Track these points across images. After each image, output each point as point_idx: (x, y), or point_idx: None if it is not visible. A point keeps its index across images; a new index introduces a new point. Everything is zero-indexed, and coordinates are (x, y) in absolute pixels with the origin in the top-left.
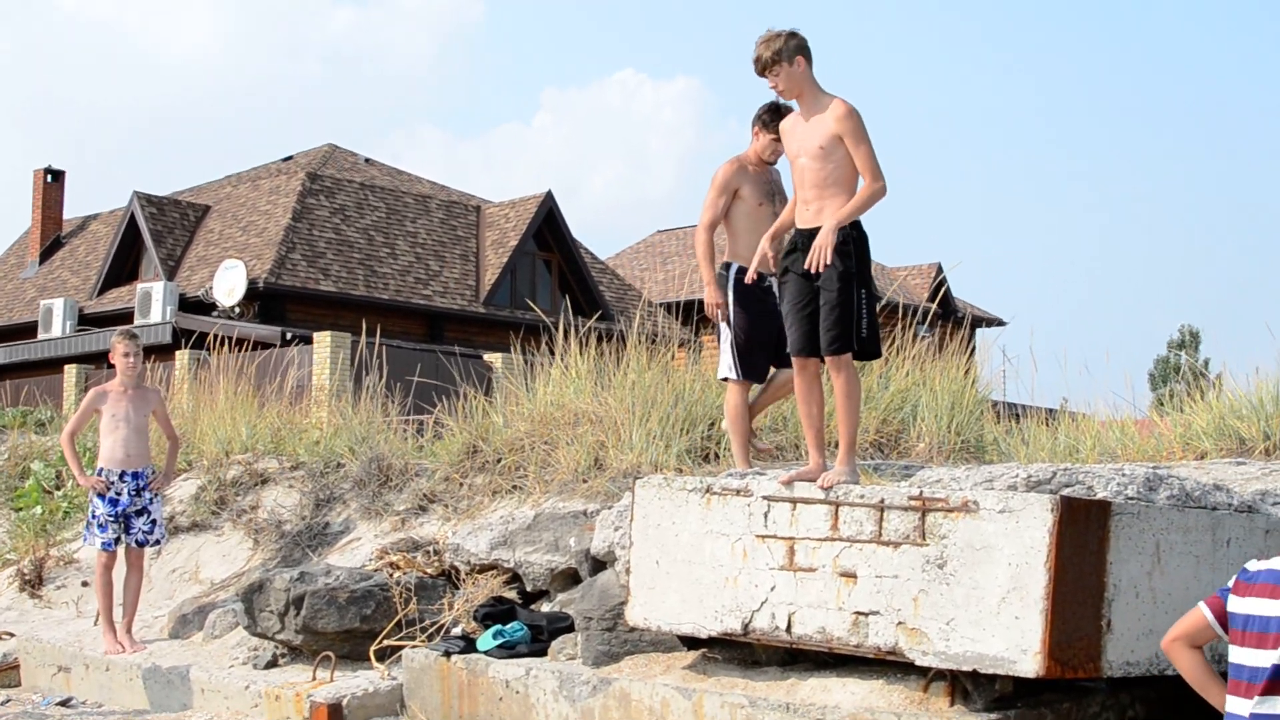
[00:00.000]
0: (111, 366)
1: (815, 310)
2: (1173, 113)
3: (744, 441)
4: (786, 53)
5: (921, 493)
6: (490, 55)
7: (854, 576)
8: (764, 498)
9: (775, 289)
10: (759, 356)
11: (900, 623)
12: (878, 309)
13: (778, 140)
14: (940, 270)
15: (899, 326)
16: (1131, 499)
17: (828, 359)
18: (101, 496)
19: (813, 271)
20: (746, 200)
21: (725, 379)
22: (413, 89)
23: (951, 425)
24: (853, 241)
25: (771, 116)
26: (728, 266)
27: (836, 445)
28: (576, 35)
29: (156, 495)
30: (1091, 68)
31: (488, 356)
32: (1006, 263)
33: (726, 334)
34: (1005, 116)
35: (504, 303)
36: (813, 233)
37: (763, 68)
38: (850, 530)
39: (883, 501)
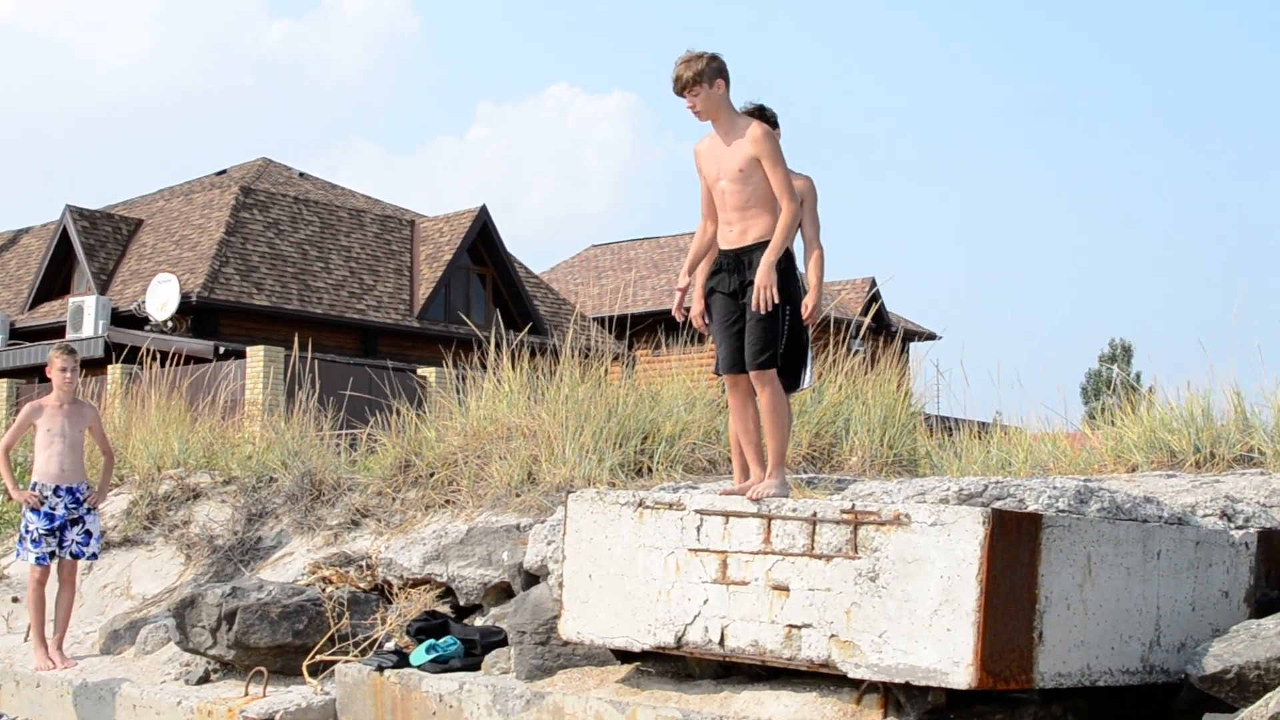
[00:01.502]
0: (46, 381)
1: (742, 328)
2: (1107, 124)
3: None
4: (707, 75)
5: (854, 506)
6: (425, 69)
7: (786, 590)
8: (696, 511)
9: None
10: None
11: (833, 635)
12: (810, 332)
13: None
14: (874, 284)
15: (832, 341)
16: (1063, 511)
17: (752, 374)
18: (35, 511)
19: (760, 312)
20: None
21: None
22: (347, 102)
23: (884, 439)
24: (781, 272)
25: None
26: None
27: None
28: (511, 48)
29: (94, 509)
30: (1022, 75)
31: (421, 371)
32: (939, 276)
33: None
34: (939, 128)
35: (438, 317)
36: (738, 254)
37: (682, 87)
38: (783, 544)
39: (815, 515)
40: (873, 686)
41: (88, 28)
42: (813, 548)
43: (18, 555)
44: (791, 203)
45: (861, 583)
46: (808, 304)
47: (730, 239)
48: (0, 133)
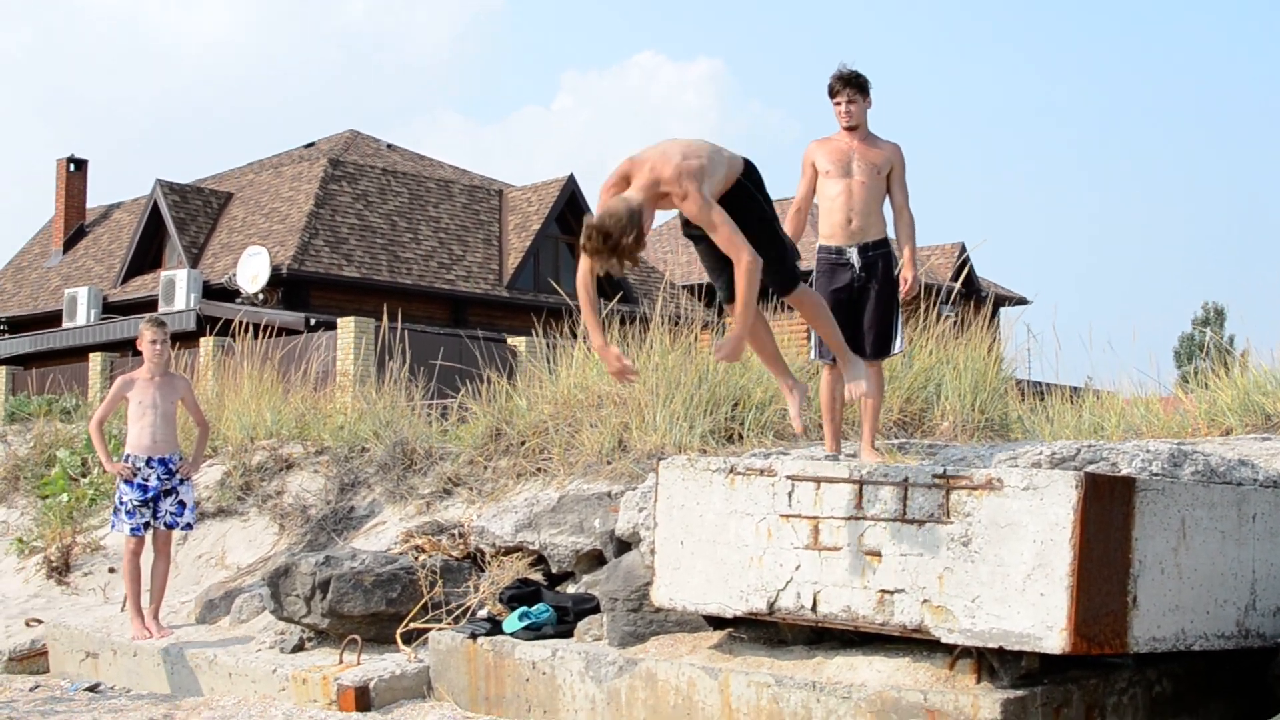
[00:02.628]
0: (138, 354)
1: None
2: (1201, 87)
3: (833, 425)
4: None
5: (946, 471)
6: (510, 39)
7: (879, 555)
8: (788, 477)
9: (854, 263)
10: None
11: (925, 600)
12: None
13: (839, 104)
14: (964, 249)
15: (922, 306)
16: (1157, 475)
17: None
18: (129, 483)
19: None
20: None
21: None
22: (433, 74)
23: (975, 404)
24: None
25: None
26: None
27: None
28: (596, 17)
29: (187, 479)
30: (1122, 41)
31: (511, 340)
32: (1030, 241)
33: None
34: (1030, 92)
35: (527, 286)
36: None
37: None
38: (875, 509)
39: (907, 480)
40: (966, 652)
41: (175, 5)
42: (905, 513)
43: (113, 526)
44: (753, 257)
45: (954, 548)
46: (905, 278)
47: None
48: (91, 110)
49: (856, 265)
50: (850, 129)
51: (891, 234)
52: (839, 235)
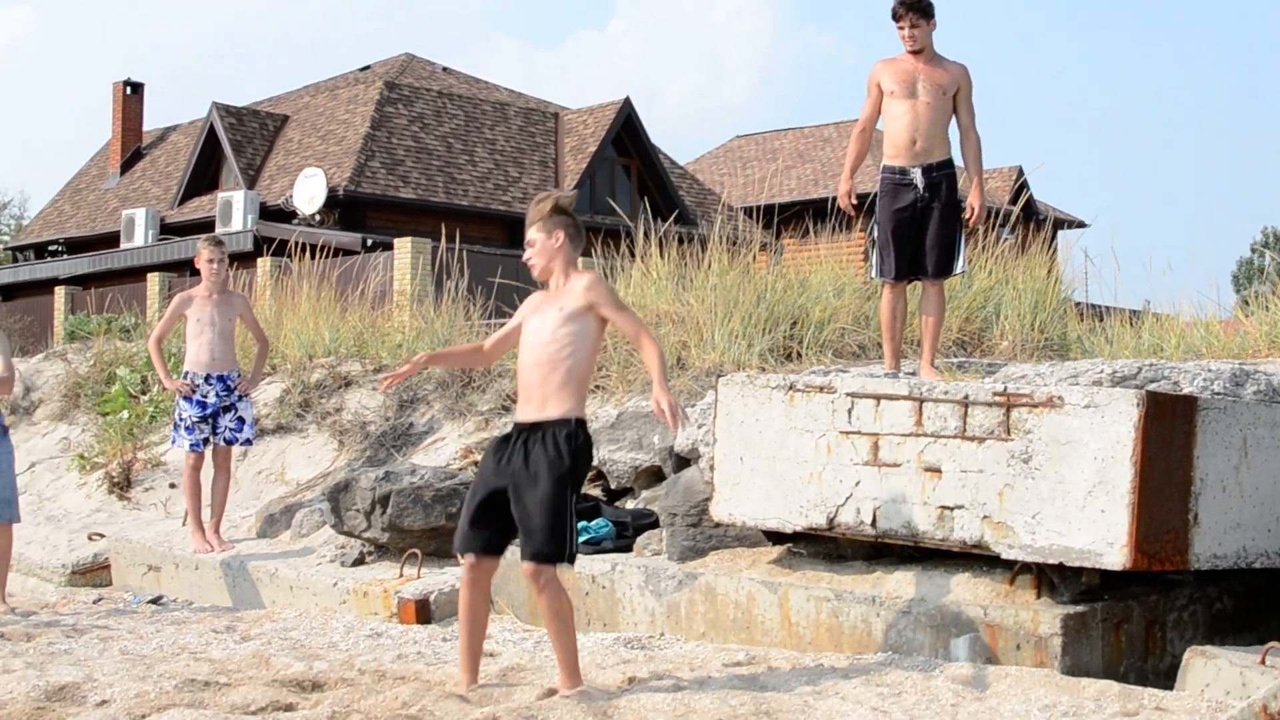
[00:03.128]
0: (196, 274)
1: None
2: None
3: (892, 343)
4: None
5: (1006, 388)
6: None
7: (939, 471)
8: (848, 394)
9: (918, 183)
10: (890, 253)
11: (986, 517)
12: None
13: (902, 29)
14: (1021, 173)
15: (980, 229)
16: (1218, 394)
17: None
18: (187, 399)
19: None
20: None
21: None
22: None
23: (1035, 324)
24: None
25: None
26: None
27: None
28: None
29: (245, 396)
30: None
31: None
32: (1088, 164)
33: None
34: (1083, 14)
35: (583, 208)
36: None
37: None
38: (935, 426)
39: (967, 397)
40: (1025, 568)
41: None
42: (965, 430)
43: (173, 442)
44: (652, 342)
45: (1014, 464)
46: (972, 205)
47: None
48: (146, 34)
49: (920, 185)
50: (915, 53)
51: (957, 157)
52: (903, 155)
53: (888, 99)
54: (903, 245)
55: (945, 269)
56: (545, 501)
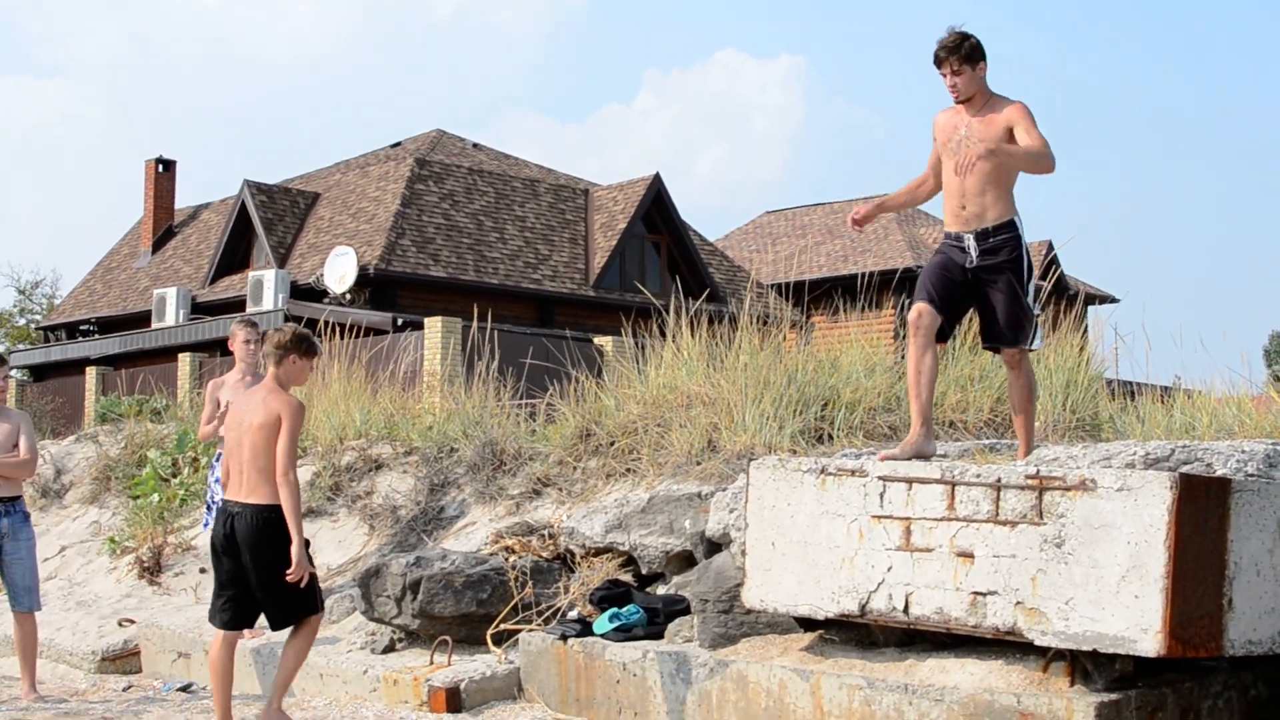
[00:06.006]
0: (226, 354)
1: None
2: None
3: (918, 400)
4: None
5: (1039, 471)
6: (592, 38)
7: (971, 556)
8: (879, 478)
9: (971, 250)
10: (923, 285)
11: (1018, 602)
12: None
13: (944, 76)
14: (1051, 248)
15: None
16: (1252, 476)
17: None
18: (220, 481)
19: None
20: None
21: None
22: (517, 73)
23: (1067, 403)
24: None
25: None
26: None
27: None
28: (677, 15)
29: None
30: (1200, 40)
31: (597, 340)
32: (1117, 239)
33: None
34: (1113, 91)
35: (613, 286)
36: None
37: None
38: (967, 510)
39: (999, 480)
40: (1059, 654)
41: (262, 5)
42: (997, 514)
43: (205, 525)
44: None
45: (1047, 549)
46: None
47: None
48: (177, 110)
49: (974, 253)
50: (963, 102)
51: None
52: (954, 221)
53: (942, 154)
54: (941, 286)
55: (1019, 337)
56: None
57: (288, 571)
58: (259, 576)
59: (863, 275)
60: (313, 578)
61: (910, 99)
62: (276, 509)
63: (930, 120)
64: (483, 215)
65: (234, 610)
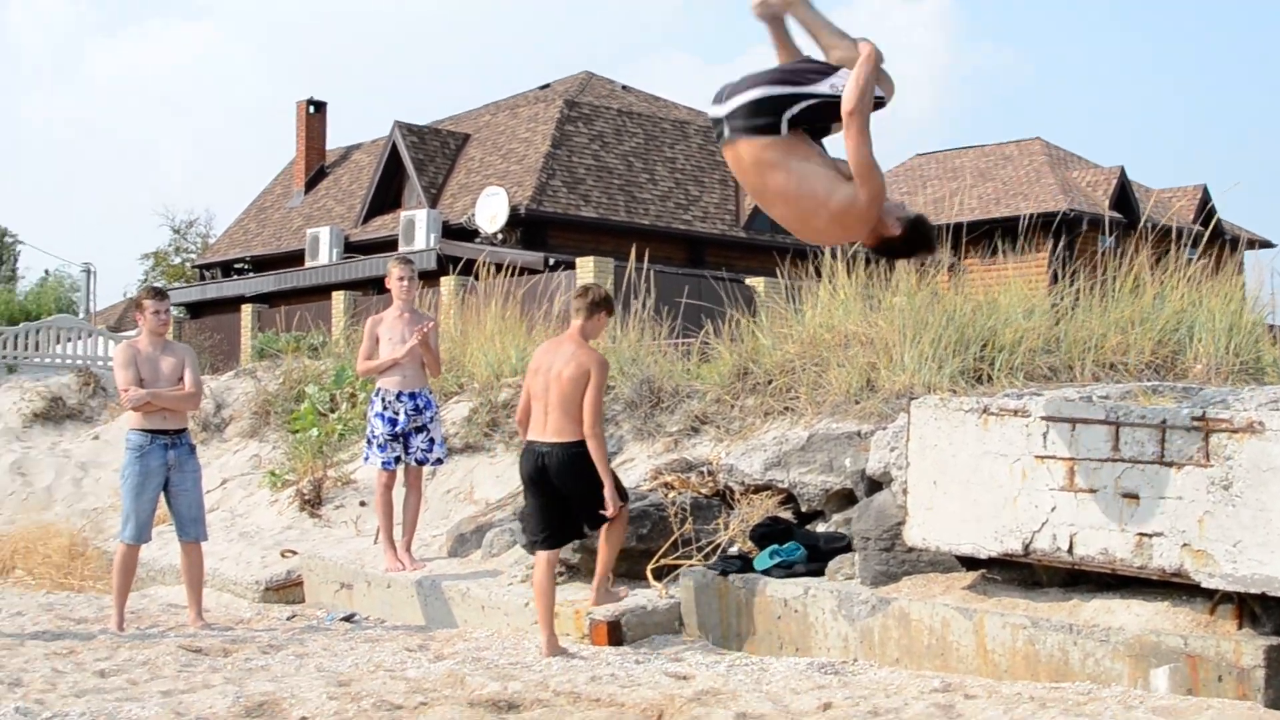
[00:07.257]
0: (380, 292)
1: None
2: None
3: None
4: None
5: (1205, 413)
6: None
7: (1136, 498)
8: (1043, 418)
9: None
10: None
11: (1185, 544)
12: None
13: None
14: (1205, 192)
15: (1173, 248)
16: None
17: None
18: (380, 416)
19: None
20: None
21: None
22: (664, 15)
23: (1230, 347)
24: None
25: None
26: None
27: None
28: None
29: (435, 416)
30: None
31: (749, 280)
32: (1274, 185)
33: None
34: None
35: (763, 227)
36: None
37: None
38: (1131, 451)
39: (1164, 422)
40: (1226, 597)
41: None
42: (1163, 455)
43: (365, 459)
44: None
45: (1214, 491)
46: None
47: None
48: (331, 53)
49: None
50: None
51: None
52: None
53: None
54: None
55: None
56: None
57: (602, 510)
58: (576, 500)
59: (1024, 217)
60: (616, 482)
61: (1059, 41)
62: (581, 443)
63: None
64: (632, 156)
65: (552, 532)
